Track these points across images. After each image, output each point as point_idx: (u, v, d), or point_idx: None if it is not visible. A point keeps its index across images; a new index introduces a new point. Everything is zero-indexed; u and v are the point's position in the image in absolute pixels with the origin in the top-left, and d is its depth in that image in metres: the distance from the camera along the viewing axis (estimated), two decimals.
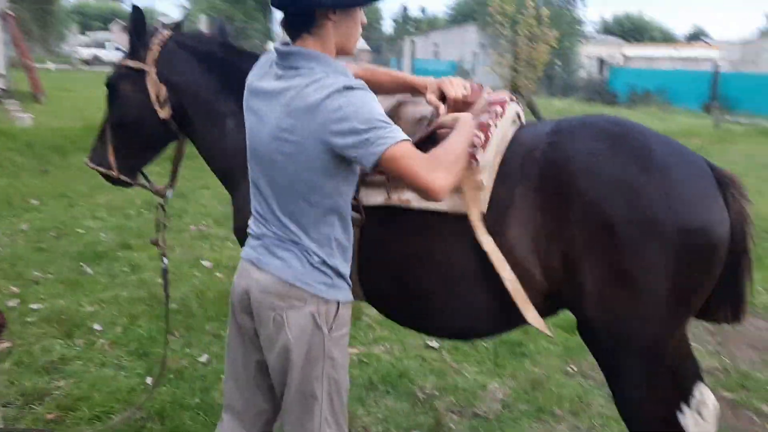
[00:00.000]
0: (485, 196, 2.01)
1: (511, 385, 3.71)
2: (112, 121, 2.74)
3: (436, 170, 1.72)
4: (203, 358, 3.87)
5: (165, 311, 3.07)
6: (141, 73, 2.62)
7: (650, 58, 39.77)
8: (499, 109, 2.11)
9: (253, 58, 2.61)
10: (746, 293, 2.06)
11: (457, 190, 2.02)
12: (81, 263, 5.27)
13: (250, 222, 2.06)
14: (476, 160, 1.99)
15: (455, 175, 1.78)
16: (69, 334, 4.07)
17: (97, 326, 4.19)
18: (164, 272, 3.00)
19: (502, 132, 2.10)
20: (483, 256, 2.02)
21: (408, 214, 2.11)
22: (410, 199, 2.08)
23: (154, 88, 2.60)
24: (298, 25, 1.85)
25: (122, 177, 2.80)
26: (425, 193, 1.75)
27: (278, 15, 1.94)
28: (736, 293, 2.05)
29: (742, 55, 32.12)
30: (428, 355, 4.05)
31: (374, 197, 2.16)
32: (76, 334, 4.08)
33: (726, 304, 2.06)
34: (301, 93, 1.78)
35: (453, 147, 1.82)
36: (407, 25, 59.81)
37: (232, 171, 2.62)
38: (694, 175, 1.95)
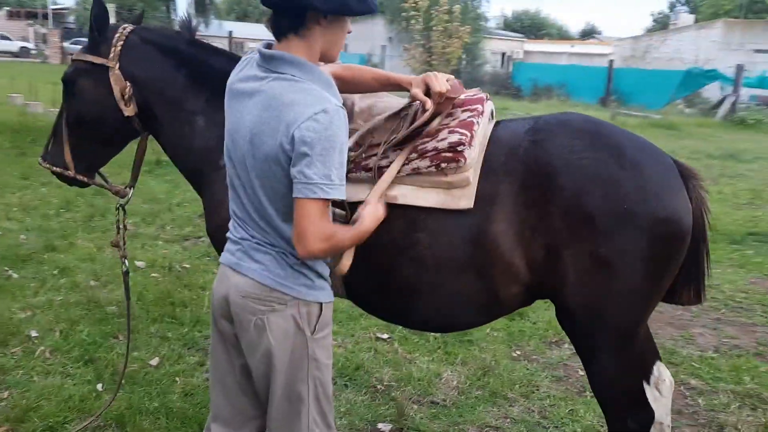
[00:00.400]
0: (471, 192, 2.10)
1: (464, 372, 3.85)
2: (69, 118, 2.63)
3: (322, 243, 1.77)
4: (154, 361, 3.77)
5: (126, 314, 3.00)
6: (103, 69, 2.54)
7: (549, 54, 41.46)
8: (479, 107, 2.21)
9: (223, 54, 2.60)
10: (705, 276, 2.28)
11: (445, 186, 2.10)
12: (5, 267, 4.97)
13: (230, 225, 2.04)
14: (464, 157, 2.07)
15: (330, 253, 1.87)
16: (4, 342, 3.86)
17: (33, 333, 4.00)
18: (125, 274, 2.92)
19: (483, 130, 2.20)
20: (470, 249, 2.11)
21: (394, 209, 2.14)
22: (397, 195, 2.13)
23: (119, 84, 2.53)
24: (287, 25, 1.84)
25: (79, 177, 2.70)
26: (297, 247, 1.80)
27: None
28: (697, 276, 2.27)
29: (632, 51, 33.98)
30: (380, 347, 4.13)
31: (359, 193, 2.18)
32: (11, 343, 3.88)
33: (689, 286, 2.27)
34: (279, 98, 1.78)
35: (349, 236, 1.88)
36: None
37: (201, 170, 2.58)
38: (663, 169, 2.13)
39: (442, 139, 2.10)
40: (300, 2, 1.78)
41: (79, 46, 2.74)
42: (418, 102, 2.19)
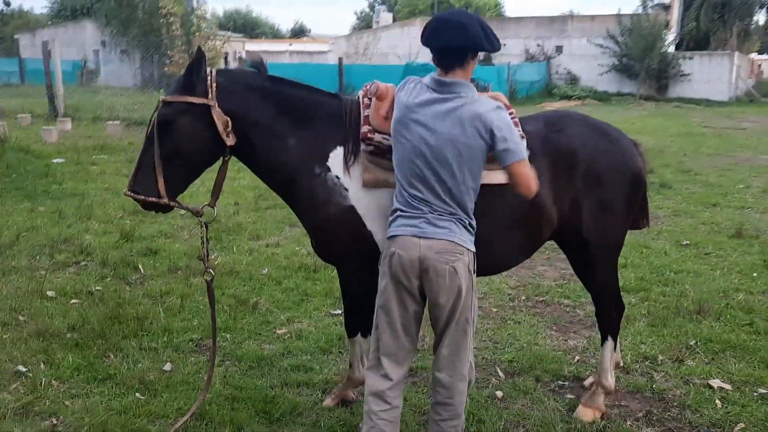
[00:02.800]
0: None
1: None
2: (165, 152, 2.99)
3: (534, 182, 2.75)
4: (167, 367, 4.07)
5: (212, 319, 3.41)
6: (204, 107, 2.97)
7: (270, 53, 42.72)
8: (515, 118, 3.18)
9: (295, 85, 3.22)
10: (648, 209, 3.63)
11: None
12: None
13: (401, 205, 2.75)
14: (528, 149, 3.06)
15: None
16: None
17: (21, 368, 3.97)
18: (209, 284, 3.35)
19: None
20: (527, 209, 3.11)
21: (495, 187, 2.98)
22: (497, 179, 2.99)
23: (221, 119, 2.99)
24: (455, 61, 2.67)
25: (172, 203, 3.07)
26: (522, 186, 2.74)
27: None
28: (646, 209, 3.62)
29: (348, 48, 36.94)
30: (337, 320, 4.85)
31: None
32: (1, 383, 3.83)
33: (642, 216, 3.58)
34: (467, 107, 2.63)
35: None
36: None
37: (295, 180, 3.16)
38: (628, 142, 3.45)
39: None
40: (470, 45, 2.64)
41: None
42: None
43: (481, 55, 2.89)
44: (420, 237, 2.71)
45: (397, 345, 2.86)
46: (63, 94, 17.89)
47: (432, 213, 2.72)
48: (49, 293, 5.22)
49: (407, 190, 2.76)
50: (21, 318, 4.75)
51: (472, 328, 2.88)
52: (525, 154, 2.71)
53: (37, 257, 6.16)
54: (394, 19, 44.20)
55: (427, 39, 2.70)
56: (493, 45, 2.65)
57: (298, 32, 64.53)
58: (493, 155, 2.70)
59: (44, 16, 49.63)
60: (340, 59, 28.97)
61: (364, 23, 56.10)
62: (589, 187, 3.26)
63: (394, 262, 2.77)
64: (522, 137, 3.10)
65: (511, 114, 3.16)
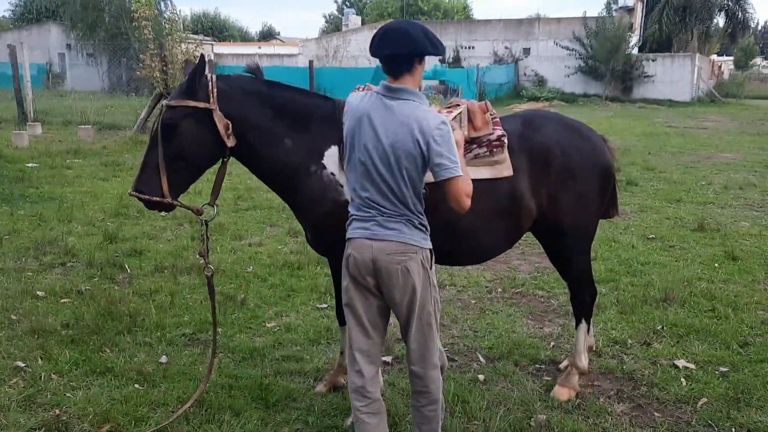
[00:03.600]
0: (509, 165, 3.36)
1: None
2: (169, 153, 3.16)
3: (466, 200, 2.81)
4: (163, 359, 4.22)
5: (212, 315, 3.59)
6: (205, 111, 3.15)
7: (239, 56, 42.57)
8: (497, 119, 3.43)
9: (293, 89, 3.42)
10: (618, 200, 3.92)
11: (493, 163, 3.31)
12: None
13: (355, 209, 2.86)
14: (505, 144, 3.33)
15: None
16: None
17: (20, 363, 4.08)
18: (209, 278, 3.54)
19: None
20: (509, 201, 3.36)
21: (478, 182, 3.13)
22: (482, 174, 3.25)
23: (222, 122, 3.17)
24: (404, 67, 2.77)
25: (175, 202, 3.24)
26: (457, 207, 2.81)
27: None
28: (615, 200, 3.91)
29: (318, 50, 37.07)
30: (323, 313, 5.05)
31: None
32: (2, 377, 3.95)
33: (612, 206, 3.88)
34: (413, 115, 2.72)
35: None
36: None
37: (292, 179, 3.35)
38: (598, 138, 3.74)
39: (490, 134, 3.30)
40: (415, 51, 2.76)
41: None
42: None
43: (428, 60, 2.90)
44: (372, 239, 2.82)
45: (368, 341, 2.98)
46: (32, 98, 17.71)
47: (382, 215, 2.82)
48: (39, 293, 5.32)
49: (359, 194, 2.86)
50: (13, 317, 4.84)
51: (435, 320, 3.00)
52: (460, 172, 2.71)
53: (23, 259, 6.24)
54: (363, 22, 44.46)
55: (375, 49, 2.79)
56: (437, 49, 2.79)
57: (267, 35, 64.38)
58: (429, 167, 2.74)
59: (6, 20, 48.77)
60: (311, 62, 29.05)
61: (333, 26, 56.31)
62: (564, 180, 3.52)
63: (350, 263, 2.90)
64: (503, 135, 3.36)
65: (493, 115, 3.42)
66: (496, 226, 3.46)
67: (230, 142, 3.23)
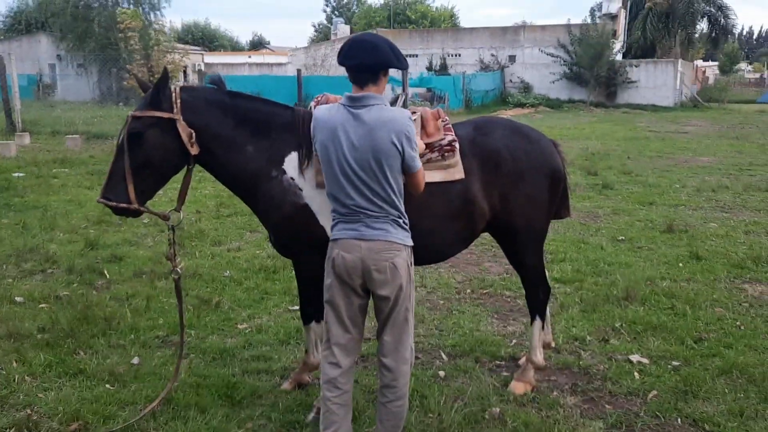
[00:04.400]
0: (461, 169, 3.54)
1: None
2: (135, 162, 3.32)
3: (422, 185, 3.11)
4: (135, 360, 4.36)
5: (179, 317, 3.74)
6: (170, 121, 3.31)
7: (230, 65, 42.78)
8: (449, 125, 3.61)
9: (254, 99, 3.59)
10: (569, 201, 4.13)
11: (445, 167, 3.47)
12: None
13: (339, 211, 3.02)
14: (457, 149, 3.52)
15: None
16: None
17: None
18: (177, 281, 3.69)
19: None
20: (461, 203, 3.54)
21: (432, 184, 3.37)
22: (435, 177, 3.44)
23: (185, 132, 3.34)
24: (368, 78, 2.97)
25: (142, 208, 3.39)
26: (415, 189, 3.10)
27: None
28: (567, 202, 4.11)
29: (307, 59, 37.28)
30: (295, 315, 5.19)
31: None
32: None
33: (563, 207, 4.06)
34: (382, 115, 2.91)
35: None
36: None
37: (255, 184, 3.51)
38: (547, 142, 3.93)
39: (442, 139, 3.47)
40: (381, 63, 2.96)
41: None
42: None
43: (415, 68, 3.21)
44: (360, 239, 2.99)
45: (346, 336, 3.15)
46: (20, 109, 17.82)
47: (368, 217, 2.99)
48: (18, 299, 5.45)
49: (344, 202, 3.01)
50: None
51: (412, 316, 3.19)
52: (420, 163, 3.03)
53: (4, 266, 6.36)
54: (352, 31, 44.76)
55: (343, 58, 2.97)
56: (401, 63, 3.00)
57: (257, 44, 64.66)
58: (404, 160, 2.94)
59: None
60: (299, 71, 29.24)
61: (322, 35, 56.60)
62: (513, 182, 3.70)
63: (337, 263, 3.05)
64: (454, 140, 3.53)
65: (444, 122, 3.60)
66: (450, 226, 3.63)
67: (194, 150, 3.39)
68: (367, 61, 2.96)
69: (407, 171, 3.00)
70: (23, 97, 20.12)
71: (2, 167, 11.71)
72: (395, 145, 2.91)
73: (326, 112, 3.04)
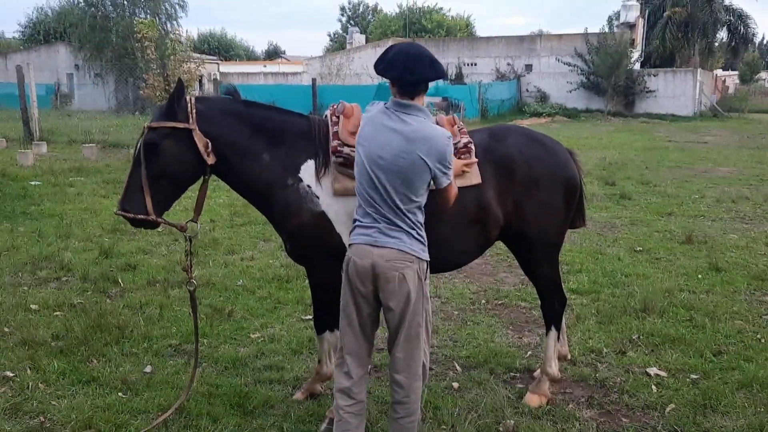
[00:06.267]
0: (478, 173, 3.51)
1: None
2: (152, 173, 3.32)
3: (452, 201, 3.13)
4: (147, 369, 4.35)
5: (194, 328, 3.73)
6: (185, 131, 3.31)
7: (245, 74, 43.08)
8: (464, 129, 3.59)
9: (269, 108, 3.59)
10: (585, 211, 4.09)
11: (462, 173, 3.43)
12: None
13: (360, 216, 3.04)
14: (473, 151, 3.50)
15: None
16: None
17: (9, 373, 4.23)
18: (192, 293, 3.68)
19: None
20: (476, 209, 3.50)
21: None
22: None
23: (201, 141, 3.34)
24: (421, 89, 2.97)
25: (159, 220, 3.38)
26: (445, 203, 3.13)
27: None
28: (582, 211, 4.06)
29: (322, 69, 37.45)
30: (308, 324, 5.16)
31: None
32: None
33: (579, 217, 4.00)
34: (422, 131, 2.92)
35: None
36: None
37: (270, 192, 3.50)
38: (563, 150, 3.89)
39: (458, 141, 3.44)
40: (434, 77, 2.98)
41: None
42: None
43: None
44: (373, 246, 2.98)
45: (358, 345, 3.13)
46: (38, 118, 18.03)
47: (385, 224, 2.98)
48: (33, 306, 5.47)
49: (364, 202, 3.03)
50: (6, 329, 4.99)
51: (424, 333, 3.14)
52: (452, 177, 3.04)
53: (19, 274, 6.40)
54: (367, 40, 44.92)
55: (400, 73, 2.89)
56: (445, 75, 3.07)
57: (273, 54, 65.05)
58: (433, 177, 2.97)
59: (16, 41, 49.58)
60: (314, 80, 29.34)
61: (338, 44, 56.86)
62: (528, 190, 3.67)
63: (350, 268, 3.05)
64: (469, 142, 3.51)
65: (460, 127, 3.58)
66: (464, 233, 3.60)
67: (210, 160, 3.38)
68: (427, 77, 2.96)
69: (437, 186, 3.02)
70: (41, 106, 20.35)
71: (20, 176, 11.83)
72: (426, 162, 2.91)
73: (376, 109, 3.06)
